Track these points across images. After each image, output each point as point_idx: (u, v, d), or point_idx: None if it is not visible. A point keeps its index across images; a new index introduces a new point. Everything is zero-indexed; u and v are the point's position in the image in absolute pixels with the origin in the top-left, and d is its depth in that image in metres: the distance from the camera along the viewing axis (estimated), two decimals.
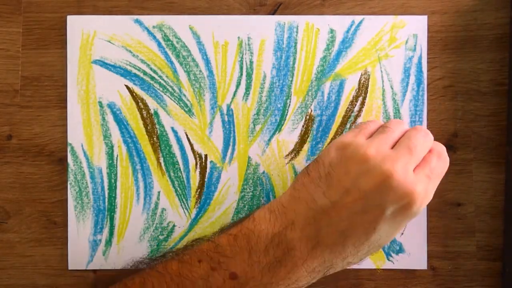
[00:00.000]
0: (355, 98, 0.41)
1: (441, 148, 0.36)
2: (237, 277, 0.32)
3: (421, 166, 0.34)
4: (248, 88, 0.41)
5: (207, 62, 0.41)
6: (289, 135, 0.41)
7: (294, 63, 0.41)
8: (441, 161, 0.35)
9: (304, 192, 0.34)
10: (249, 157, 0.41)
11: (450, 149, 0.41)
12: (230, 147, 0.41)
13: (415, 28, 0.41)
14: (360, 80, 0.41)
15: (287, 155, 0.41)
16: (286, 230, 0.33)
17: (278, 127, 0.41)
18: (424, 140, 0.35)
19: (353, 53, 0.41)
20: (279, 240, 0.33)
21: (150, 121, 0.41)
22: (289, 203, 0.34)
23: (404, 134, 0.35)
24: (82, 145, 0.41)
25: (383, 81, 0.41)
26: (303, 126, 0.41)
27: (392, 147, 0.34)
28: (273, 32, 0.41)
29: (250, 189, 0.41)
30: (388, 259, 0.41)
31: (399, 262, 0.41)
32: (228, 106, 0.41)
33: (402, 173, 0.32)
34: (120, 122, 0.41)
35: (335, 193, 0.33)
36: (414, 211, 0.33)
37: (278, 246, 0.33)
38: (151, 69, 0.41)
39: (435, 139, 0.41)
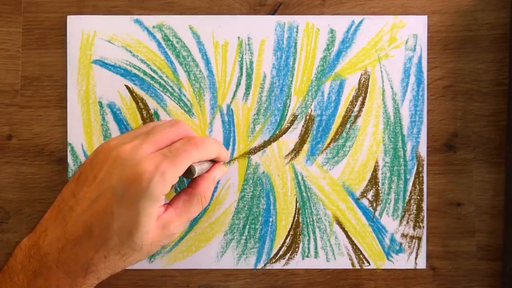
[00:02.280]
0: (355, 98, 0.41)
1: (195, 136, 0.35)
2: None
3: (162, 149, 0.33)
4: (248, 88, 0.41)
5: (207, 62, 0.41)
6: (289, 135, 0.41)
7: (294, 63, 0.41)
8: (188, 144, 0.34)
9: (59, 198, 0.34)
10: (249, 157, 0.41)
11: (450, 149, 0.41)
12: (230, 147, 0.41)
13: (415, 28, 0.41)
14: (360, 80, 0.41)
15: (287, 155, 0.41)
16: (39, 239, 0.33)
17: (278, 127, 0.41)
18: (169, 127, 0.34)
19: (353, 53, 0.41)
20: (34, 251, 0.32)
21: (150, 121, 0.41)
22: (47, 214, 0.34)
23: None
24: (82, 145, 0.41)
25: (383, 81, 0.41)
26: (303, 126, 0.41)
27: None
28: (273, 32, 0.41)
29: (250, 189, 0.41)
30: (388, 259, 0.41)
31: (399, 262, 0.41)
32: (228, 106, 0.41)
33: (129, 152, 0.32)
34: (120, 122, 0.41)
35: (79, 188, 0.33)
36: (144, 188, 0.31)
37: (33, 257, 0.32)
38: (151, 69, 0.41)
39: (435, 139, 0.41)
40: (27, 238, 0.34)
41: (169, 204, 0.35)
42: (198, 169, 0.35)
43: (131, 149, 0.32)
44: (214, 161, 0.37)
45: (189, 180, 0.38)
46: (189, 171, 0.34)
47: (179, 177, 0.33)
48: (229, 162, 0.41)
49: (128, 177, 0.31)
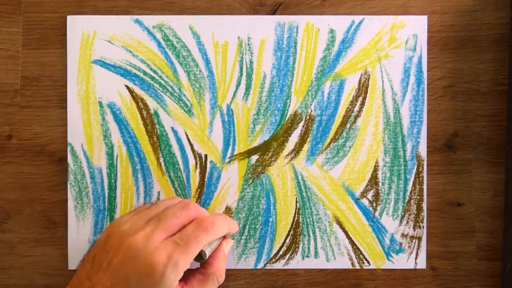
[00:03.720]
0: (355, 98, 0.41)
1: (205, 218, 0.36)
2: None
3: (174, 235, 0.34)
4: (248, 88, 0.41)
5: (207, 62, 0.41)
6: (289, 135, 0.41)
7: (294, 63, 0.41)
8: (199, 229, 0.34)
9: (75, 279, 0.35)
10: (249, 157, 0.41)
11: (450, 149, 0.41)
12: (230, 147, 0.41)
13: (415, 28, 0.41)
14: (360, 80, 0.41)
15: (287, 155, 0.41)
16: None
17: (278, 127, 0.41)
18: (179, 210, 0.35)
19: (353, 53, 0.41)
20: None
21: (150, 121, 0.41)
22: None
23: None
24: (82, 145, 0.41)
25: (383, 81, 0.41)
26: (303, 126, 0.41)
27: None
28: (273, 32, 0.41)
29: (250, 189, 0.41)
30: (388, 259, 0.41)
31: (399, 262, 0.41)
32: (228, 106, 0.41)
33: (142, 242, 0.33)
34: (120, 122, 0.41)
35: (94, 272, 0.34)
36: (158, 279, 0.32)
37: None
38: (151, 69, 0.41)
39: (435, 139, 0.41)
40: None
41: (184, 282, 0.35)
42: (208, 252, 0.35)
43: (143, 239, 0.33)
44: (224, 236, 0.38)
45: None
46: (200, 256, 0.35)
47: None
48: (229, 162, 0.41)
49: (142, 268, 0.32)
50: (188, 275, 0.36)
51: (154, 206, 0.37)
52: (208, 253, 0.35)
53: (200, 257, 0.35)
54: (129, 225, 0.35)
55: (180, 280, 0.34)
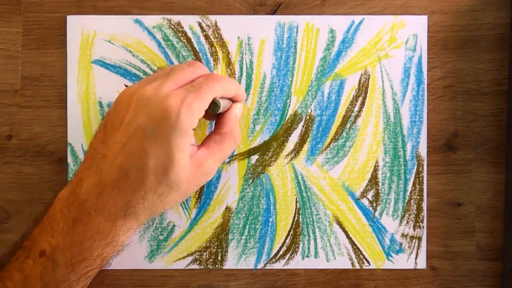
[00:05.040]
0: (355, 98, 0.41)
1: (215, 74, 0.36)
2: (45, 252, 0.33)
3: (183, 86, 0.34)
4: (248, 88, 0.41)
5: (207, 62, 0.41)
6: (289, 135, 0.41)
7: (294, 63, 0.41)
8: (209, 78, 0.34)
9: (90, 149, 0.34)
10: (249, 157, 0.41)
11: (450, 149, 0.41)
12: None
13: (415, 28, 0.41)
14: (360, 80, 0.41)
15: (287, 155, 0.41)
16: (76, 188, 0.34)
17: (278, 127, 0.41)
18: (188, 66, 0.35)
19: (353, 53, 0.41)
20: (72, 199, 0.33)
21: None
22: (80, 166, 0.35)
23: None
24: (82, 145, 0.41)
25: (383, 81, 0.41)
26: (303, 126, 0.41)
27: None
28: (273, 32, 0.41)
29: (250, 189, 0.41)
30: (388, 259, 0.41)
31: (399, 262, 0.41)
32: None
33: (153, 91, 0.32)
34: None
35: (108, 136, 0.33)
36: (173, 122, 0.32)
37: (72, 205, 0.33)
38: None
39: (435, 139, 0.41)
40: (64, 189, 0.35)
41: (200, 145, 0.35)
42: (222, 103, 0.35)
43: (154, 89, 0.33)
44: (232, 101, 0.38)
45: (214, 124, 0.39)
46: (214, 105, 0.35)
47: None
48: (229, 162, 0.41)
49: (155, 114, 0.32)
50: (204, 140, 0.36)
51: (160, 70, 0.36)
52: (221, 104, 0.35)
53: (214, 106, 0.35)
54: (137, 85, 0.34)
55: (197, 145, 0.35)
